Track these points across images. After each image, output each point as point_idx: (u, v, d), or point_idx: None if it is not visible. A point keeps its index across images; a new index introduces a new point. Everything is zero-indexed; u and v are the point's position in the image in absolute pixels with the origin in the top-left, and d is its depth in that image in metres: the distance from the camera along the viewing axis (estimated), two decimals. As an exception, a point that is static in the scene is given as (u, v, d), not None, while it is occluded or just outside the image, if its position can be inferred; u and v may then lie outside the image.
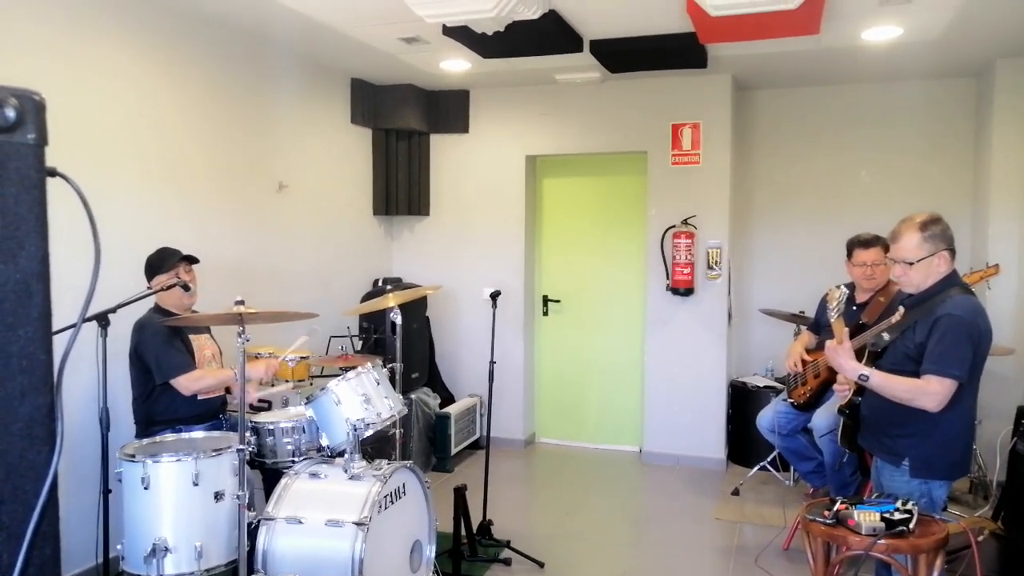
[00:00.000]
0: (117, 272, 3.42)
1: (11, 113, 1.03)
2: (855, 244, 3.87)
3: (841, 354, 2.58)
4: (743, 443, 5.40)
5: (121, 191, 3.65)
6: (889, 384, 2.51)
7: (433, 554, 3.23)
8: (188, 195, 4.05)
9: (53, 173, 1.16)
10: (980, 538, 3.31)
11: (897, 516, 2.40)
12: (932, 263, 2.57)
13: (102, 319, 2.98)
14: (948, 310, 2.48)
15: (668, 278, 5.45)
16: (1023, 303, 4.74)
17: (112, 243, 3.54)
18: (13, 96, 1.04)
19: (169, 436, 3.12)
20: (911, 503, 2.46)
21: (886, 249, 3.81)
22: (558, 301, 6.05)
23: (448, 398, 5.82)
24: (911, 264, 2.58)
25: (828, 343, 2.64)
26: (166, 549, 2.69)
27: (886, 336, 2.67)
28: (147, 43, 3.77)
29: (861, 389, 2.75)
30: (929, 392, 2.45)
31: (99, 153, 3.52)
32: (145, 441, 3.04)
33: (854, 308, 3.78)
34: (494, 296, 4.04)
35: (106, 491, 2.99)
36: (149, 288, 3.27)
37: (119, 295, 3.06)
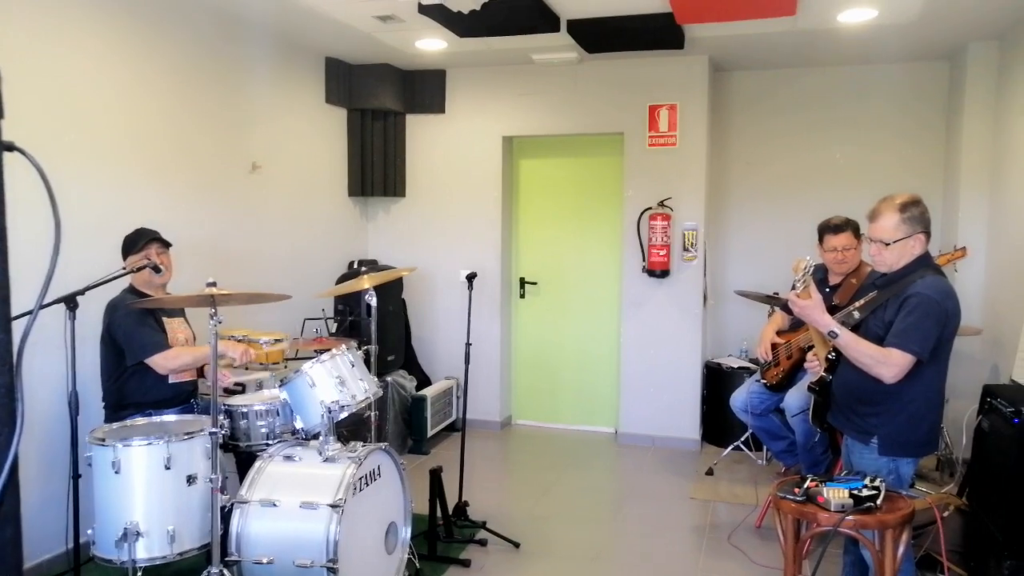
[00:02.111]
0: (87, 254, 3.36)
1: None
2: (825, 229, 3.89)
3: (813, 307, 2.59)
4: (718, 423, 5.45)
5: (91, 171, 3.58)
6: (856, 345, 2.54)
7: (409, 535, 3.23)
8: (160, 175, 3.98)
9: (10, 147, 1.13)
10: (945, 514, 3.38)
11: (865, 493, 2.44)
12: (908, 244, 2.59)
13: (70, 301, 2.92)
14: (918, 289, 2.51)
15: (644, 260, 5.47)
16: (991, 284, 4.82)
17: (81, 224, 3.48)
18: (-36, 68, 1.01)
19: (140, 420, 3.09)
20: (879, 480, 2.50)
21: (856, 233, 3.84)
22: (535, 283, 6.05)
23: (424, 380, 5.81)
24: (887, 244, 2.60)
25: (792, 297, 2.63)
26: (138, 533, 2.67)
27: (856, 315, 2.70)
28: (116, 19, 3.68)
29: (832, 367, 2.78)
30: (889, 363, 2.48)
31: (65, 131, 3.44)
32: (116, 425, 3.01)
33: (827, 290, 3.82)
34: (470, 278, 4.02)
35: (76, 475, 2.95)
36: (123, 268, 3.22)
37: (89, 277, 3.01)
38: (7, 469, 1.09)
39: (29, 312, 1.19)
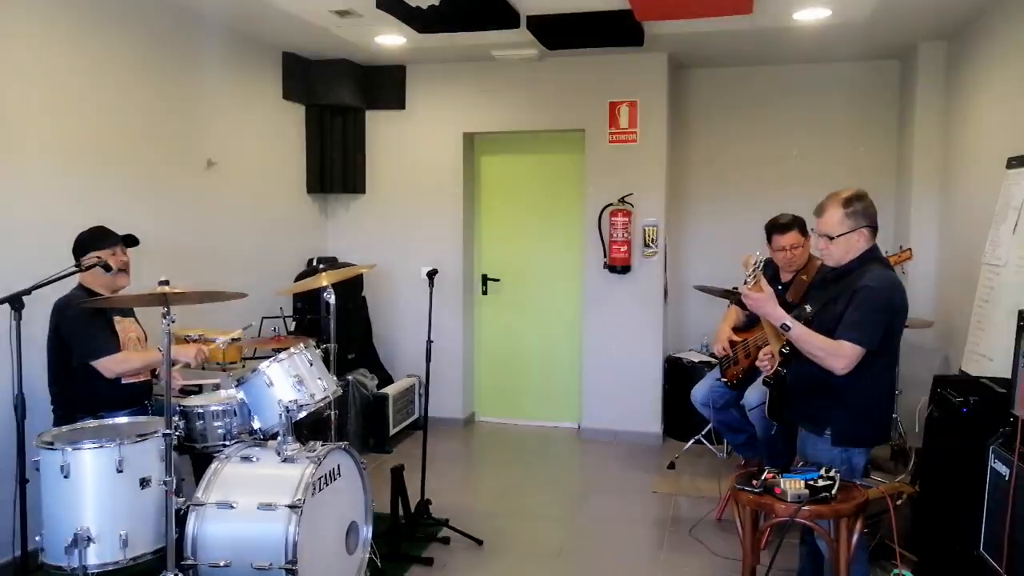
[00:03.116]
0: (33, 253, 3.26)
1: None
2: (773, 229, 3.94)
3: (766, 301, 2.62)
4: (679, 417, 5.50)
5: (39, 168, 3.47)
6: (808, 338, 2.58)
7: (370, 535, 3.20)
8: (111, 172, 3.88)
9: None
10: (899, 502, 3.46)
11: (820, 483, 2.49)
12: (852, 239, 2.64)
13: (16, 301, 2.82)
14: (866, 282, 2.57)
15: (605, 256, 5.50)
16: (942, 278, 4.94)
17: (27, 223, 3.37)
18: None
19: (91, 422, 3.00)
20: (834, 471, 2.55)
21: (803, 230, 3.90)
22: (497, 280, 6.04)
23: (386, 378, 5.76)
24: (832, 239, 2.65)
25: (745, 291, 2.66)
26: (88, 539, 2.59)
27: (808, 309, 2.75)
28: (67, 13, 3.58)
29: (787, 362, 2.82)
30: (839, 354, 2.53)
31: (11, 126, 3.33)
32: (65, 428, 2.92)
33: (779, 288, 3.87)
34: (431, 275, 4.00)
35: (23, 481, 2.86)
36: (78, 265, 3.12)
37: (35, 277, 2.91)
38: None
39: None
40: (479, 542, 3.77)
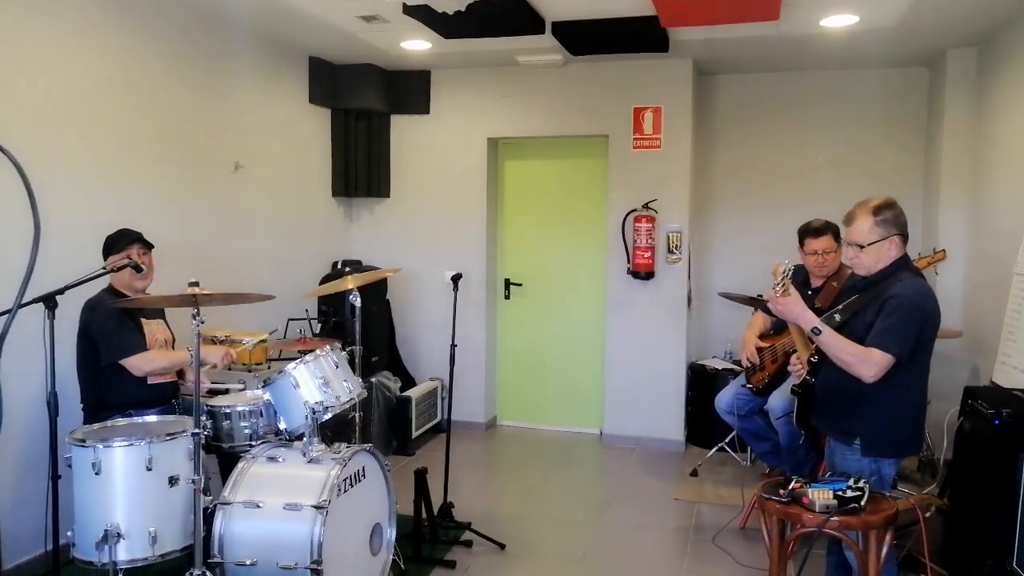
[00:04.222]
0: (66, 253, 3.32)
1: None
2: (806, 233, 3.92)
3: (795, 304, 2.60)
4: (702, 425, 5.47)
5: (69, 170, 3.53)
6: (838, 343, 2.55)
7: (393, 537, 3.22)
8: (141, 174, 3.93)
9: (-11, 143, 1.11)
10: (927, 514, 3.41)
11: (849, 494, 2.46)
12: (883, 247, 2.62)
13: (49, 301, 2.87)
14: (898, 291, 2.54)
15: (629, 262, 5.48)
16: (971, 287, 4.87)
17: (60, 224, 3.43)
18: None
19: (121, 421, 3.04)
20: (863, 481, 2.52)
21: (836, 236, 3.87)
22: (520, 284, 6.04)
23: (409, 381, 5.78)
24: (862, 247, 2.63)
25: (773, 296, 2.64)
26: (119, 535, 2.63)
27: (837, 317, 2.72)
28: (96, 17, 3.64)
29: (815, 369, 2.80)
30: (869, 362, 2.50)
31: (43, 129, 3.40)
32: (96, 426, 2.96)
33: (809, 293, 3.84)
34: (455, 279, 4.01)
35: (55, 477, 2.90)
36: (104, 268, 3.18)
37: (68, 277, 2.96)
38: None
39: (7, 311, 1.17)
40: (501, 546, 3.77)
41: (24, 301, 2.19)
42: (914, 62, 5.32)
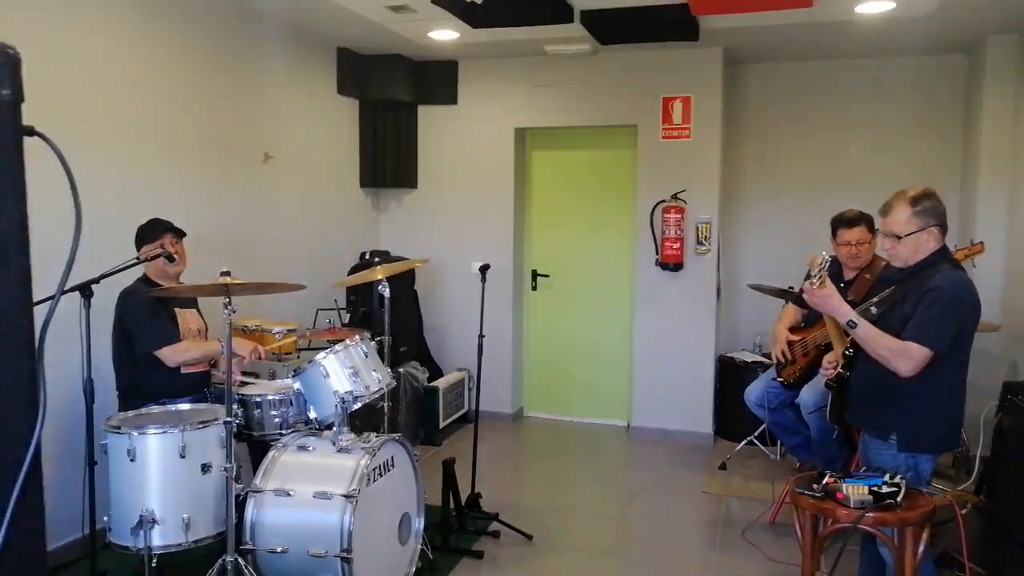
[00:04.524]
0: (101, 242, 3.35)
1: (-15, 67, 0.99)
2: (839, 223, 3.85)
3: (831, 296, 2.55)
4: (731, 418, 5.42)
5: (104, 159, 3.57)
6: (875, 336, 2.50)
7: (422, 526, 3.23)
8: (174, 164, 3.97)
9: (31, 132, 1.11)
10: (963, 511, 3.35)
11: (885, 489, 2.41)
12: (921, 238, 2.55)
13: (85, 289, 2.92)
14: (937, 283, 2.48)
15: (657, 253, 5.44)
16: (1009, 279, 4.76)
17: (96, 212, 3.47)
18: (-13, 49, 1.00)
19: (155, 408, 3.09)
20: (899, 477, 2.48)
21: (870, 227, 3.80)
22: (547, 275, 6.03)
23: (436, 372, 5.80)
24: (900, 238, 2.57)
25: (809, 288, 2.59)
26: (153, 521, 2.67)
27: (874, 310, 2.67)
28: (127, 10, 3.67)
29: (849, 364, 2.75)
30: (907, 356, 2.45)
31: (80, 118, 3.44)
32: (131, 413, 3.01)
33: (841, 285, 3.77)
34: (483, 270, 4.00)
35: (91, 463, 2.96)
36: (137, 258, 3.22)
37: (103, 266, 3.00)
38: (30, 455, 1.08)
39: (50, 298, 1.19)
40: (529, 537, 3.77)
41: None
42: (951, 49, 5.19)
